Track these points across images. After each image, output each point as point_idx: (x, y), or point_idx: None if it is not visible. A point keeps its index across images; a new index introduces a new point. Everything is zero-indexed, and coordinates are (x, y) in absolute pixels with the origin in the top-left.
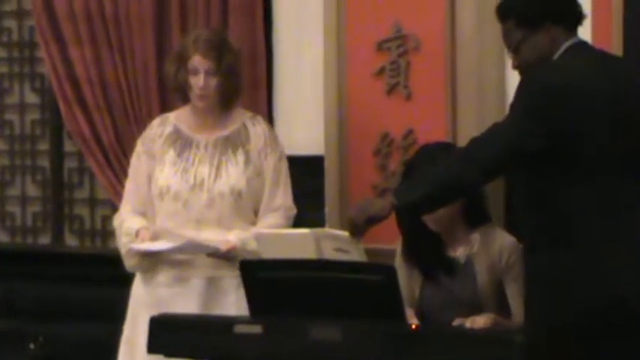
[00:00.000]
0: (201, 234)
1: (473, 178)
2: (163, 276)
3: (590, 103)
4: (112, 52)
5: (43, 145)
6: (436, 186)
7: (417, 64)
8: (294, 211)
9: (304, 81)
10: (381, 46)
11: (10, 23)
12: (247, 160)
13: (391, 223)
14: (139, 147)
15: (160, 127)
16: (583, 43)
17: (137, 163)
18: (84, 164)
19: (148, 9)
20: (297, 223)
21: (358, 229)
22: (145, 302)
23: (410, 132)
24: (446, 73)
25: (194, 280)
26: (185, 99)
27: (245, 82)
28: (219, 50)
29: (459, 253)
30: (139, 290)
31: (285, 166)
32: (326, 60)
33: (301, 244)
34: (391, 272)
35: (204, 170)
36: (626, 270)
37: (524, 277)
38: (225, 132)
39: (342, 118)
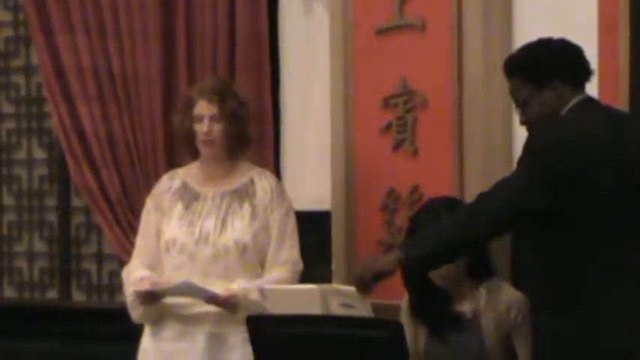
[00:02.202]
0: (207, 286)
1: (479, 235)
2: (169, 330)
3: (596, 160)
4: (119, 108)
5: (51, 201)
6: (442, 242)
7: (424, 120)
8: (300, 266)
9: (311, 136)
10: (387, 102)
11: (18, 79)
12: (253, 214)
13: (398, 278)
14: (149, 202)
15: (168, 182)
16: (590, 100)
17: (147, 218)
18: (91, 219)
19: (156, 66)
20: (304, 278)
21: (365, 285)
22: (151, 356)
23: (416, 188)
24: (452, 129)
25: (199, 335)
26: (192, 150)
27: (253, 138)
28: (222, 95)
29: (466, 307)
30: (146, 344)
31: (292, 220)
32: (333, 116)
33: (308, 299)
34: (398, 328)
35: (210, 223)
36: (629, 325)
37: (533, 338)
38: (233, 186)
39: (349, 174)
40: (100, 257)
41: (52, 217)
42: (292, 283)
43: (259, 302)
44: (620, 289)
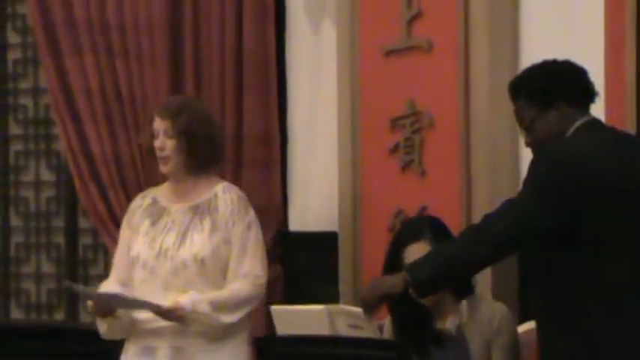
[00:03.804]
0: (168, 301)
1: (485, 255)
2: (133, 347)
3: (600, 181)
4: (126, 130)
5: (58, 222)
6: (449, 264)
7: (431, 141)
8: (263, 279)
9: (318, 158)
10: (395, 123)
11: (26, 101)
12: (214, 228)
13: None
14: (123, 221)
15: (140, 200)
16: (595, 121)
17: (121, 235)
18: (99, 241)
19: (163, 88)
20: (311, 299)
21: (371, 306)
22: None
23: (424, 209)
24: (460, 149)
25: (160, 350)
26: (157, 165)
27: (259, 161)
28: (176, 111)
29: (449, 323)
30: None
31: (254, 234)
32: (340, 137)
33: (315, 320)
34: (404, 349)
35: (170, 238)
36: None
37: (540, 354)
38: (196, 200)
39: (356, 195)
40: (107, 278)
41: (60, 239)
42: (253, 295)
43: (209, 314)
44: (625, 310)
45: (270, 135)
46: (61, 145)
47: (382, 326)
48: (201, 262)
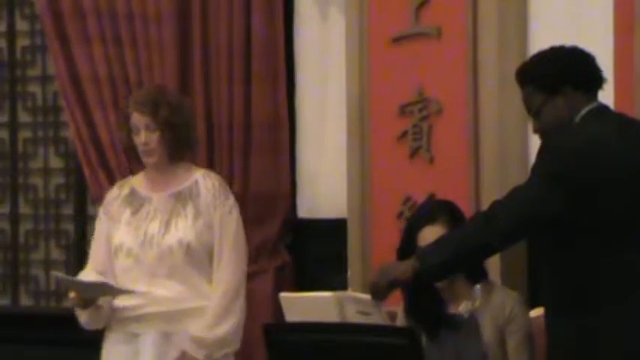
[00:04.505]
0: (154, 288)
1: (494, 242)
2: (115, 334)
3: (608, 167)
4: None
5: (67, 210)
6: (458, 251)
7: (440, 128)
8: (244, 265)
9: (327, 144)
10: (403, 110)
11: (35, 88)
12: (197, 214)
13: None
14: (100, 211)
15: (117, 190)
16: (603, 108)
17: (98, 226)
18: None
19: (171, 75)
20: (320, 286)
21: (380, 292)
22: None
23: (432, 196)
24: (468, 136)
25: (147, 336)
26: (139, 159)
27: (268, 148)
28: (154, 105)
29: (462, 308)
30: (102, 348)
31: (235, 218)
32: (349, 124)
33: (324, 307)
34: (414, 335)
35: (155, 226)
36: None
37: (547, 341)
38: (177, 188)
39: (365, 182)
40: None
41: (69, 226)
42: (236, 291)
43: (212, 340)
44: (632, 296)
45: (279, 122)
46: (69, 133)
47: (395, 314)
48: (187, 247)
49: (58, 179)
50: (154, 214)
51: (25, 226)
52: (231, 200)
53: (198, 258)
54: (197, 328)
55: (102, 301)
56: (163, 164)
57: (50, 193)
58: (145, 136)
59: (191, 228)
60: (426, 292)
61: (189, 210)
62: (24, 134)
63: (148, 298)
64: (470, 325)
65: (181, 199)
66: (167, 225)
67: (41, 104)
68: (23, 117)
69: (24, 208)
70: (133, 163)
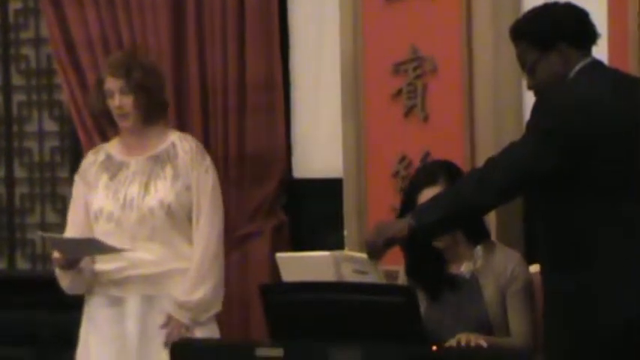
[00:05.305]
0: (136, 250)
1: (489, 199)
2: (98, 297)
3: (602, 122)
4: None
5: (63, 173)
6: (453, 208)
7: (434, 87)
8: (220, 224)
9: (321, 104)
10: (397, 69)
11: (28, 51)
12: (176, 175)
13: None
14: (76, 177)
15: (93, 156)
16: (597, 63)
17: (75, 192)
18: None
19: (165, 38)
20: (317, 246)
21: (376, 251)
22: (86, 324)
23: (427, 154)
24: (463, 94)
25: (130, 299)
26: (114, 124)
27: (262, 108)
28: (127, 68)
29: (464, 269)
30: (84, 312)
31: (210, 177)
32: (343, 83)
33: (321, 266)
34: (411, 294)
35: (134, 189)
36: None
37: (544, 297)
38: (154, 151)
39: (360, 141)
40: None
41: (64, 190)
42: (214, 253)
43: (194, 303)
44: (628, 251)
45: (273, 82)
46: (64, 96)
47: (397, 274)
48: (167, 208)
49: (53, 142)
50: (132, 178)
51: (20, 190)
52: (208, 161)
53: (179, 219)
54: (180, 292)
55: (83, 264)
56: (138, 128)
57: (45, 156)
58: (120, 100)
59: (170, 189)
60: (427, 252)
61: (168, 172)
62: (18, 97)
63: (130, 260)
64: (471, 285)
65: (159, 161)
66: (146, 187)
67: (35, 67)
68: (17, 80)
69: (19, 172)
70: (109, 129)
